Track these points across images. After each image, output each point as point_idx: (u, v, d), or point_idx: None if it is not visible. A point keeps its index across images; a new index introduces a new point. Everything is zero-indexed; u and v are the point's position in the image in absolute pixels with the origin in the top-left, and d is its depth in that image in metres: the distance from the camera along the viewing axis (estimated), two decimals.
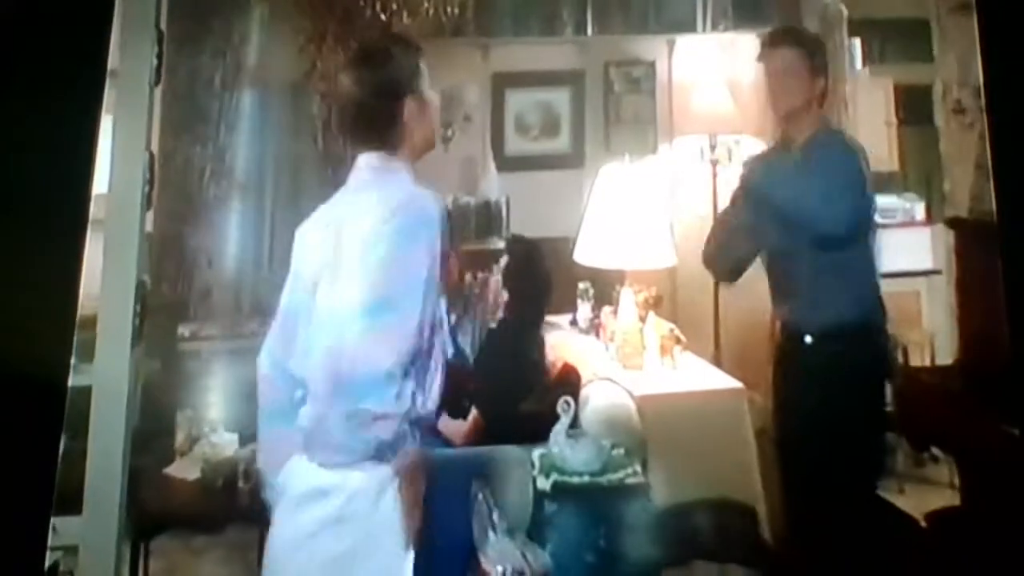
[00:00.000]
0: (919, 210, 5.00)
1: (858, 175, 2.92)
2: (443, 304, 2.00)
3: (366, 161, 2.02)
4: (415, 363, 1.94)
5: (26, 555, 1.18)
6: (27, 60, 1.16)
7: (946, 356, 3.63)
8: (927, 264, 4.82)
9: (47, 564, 2.30)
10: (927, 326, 4.69)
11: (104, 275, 2.42)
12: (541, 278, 3.43)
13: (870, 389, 2.84)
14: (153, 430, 3.01)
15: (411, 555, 2.00)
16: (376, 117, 1.96)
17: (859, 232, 2.89)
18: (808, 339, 2.82)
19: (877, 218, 4.68)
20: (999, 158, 1.56)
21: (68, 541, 2.27)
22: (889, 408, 3.78)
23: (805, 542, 2.80)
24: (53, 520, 2.27)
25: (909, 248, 4.86)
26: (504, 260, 3.43)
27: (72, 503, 2.28)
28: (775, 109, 3.04)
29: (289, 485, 2.01)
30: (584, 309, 3.82)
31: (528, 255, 3.56)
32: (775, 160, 3.09)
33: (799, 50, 2.99)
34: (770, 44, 3.05)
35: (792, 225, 2.87)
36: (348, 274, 1.94)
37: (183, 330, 4.40)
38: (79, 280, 1.85)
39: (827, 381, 2.74)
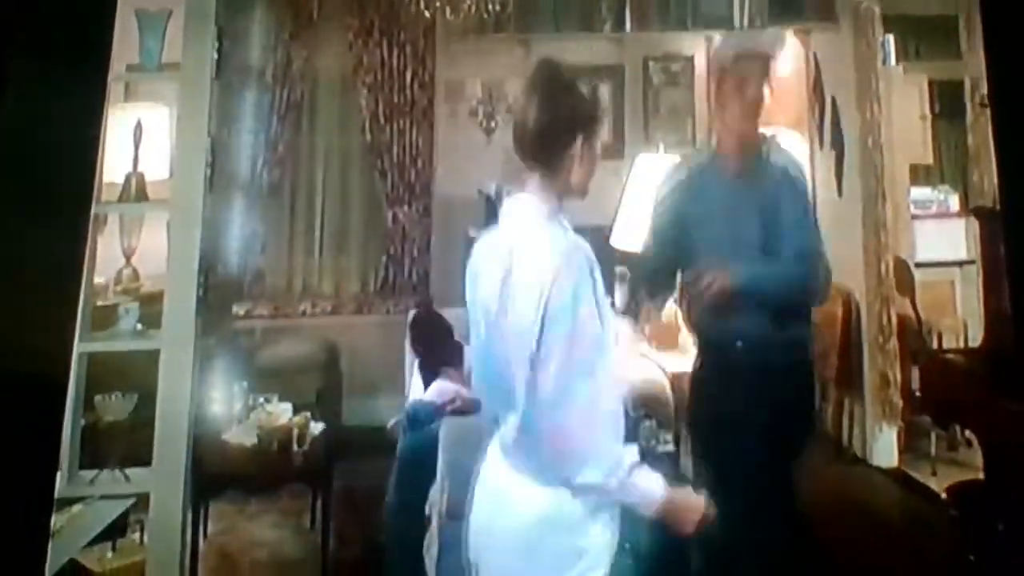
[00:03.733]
0: (953, 202, 5.04)
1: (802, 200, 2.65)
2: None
3: (524, 200, 1.86)
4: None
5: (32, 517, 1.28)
6: (29, 49, 1.24)
7: (978, 341, 3.64)
8: (961, 254, 4.87)
9: (120, 511, 2.49)
10: (961, 313, 4.75)
11: (170, 250, 2.60)
12: None
13: (794, 386, 2.66)
14: (210, 399, 3.18)
15: None
16: (548, 143, 1.84)
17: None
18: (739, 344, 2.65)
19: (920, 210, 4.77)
20: (1002, 150, 1.62)
21: (139, 489, 2.45)
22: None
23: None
24: (126, 470, 2.46)
25: (943, 238, 4.90)
26: None
27: (143, 456, 2.46)
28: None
29: (483, 475, 1.90)
30: (621, 292, 3.85)
31: None
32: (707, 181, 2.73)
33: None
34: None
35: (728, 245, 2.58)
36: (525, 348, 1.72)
37: (238, 309, 4.62)
38: (83, 265, 1.81)
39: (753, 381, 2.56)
